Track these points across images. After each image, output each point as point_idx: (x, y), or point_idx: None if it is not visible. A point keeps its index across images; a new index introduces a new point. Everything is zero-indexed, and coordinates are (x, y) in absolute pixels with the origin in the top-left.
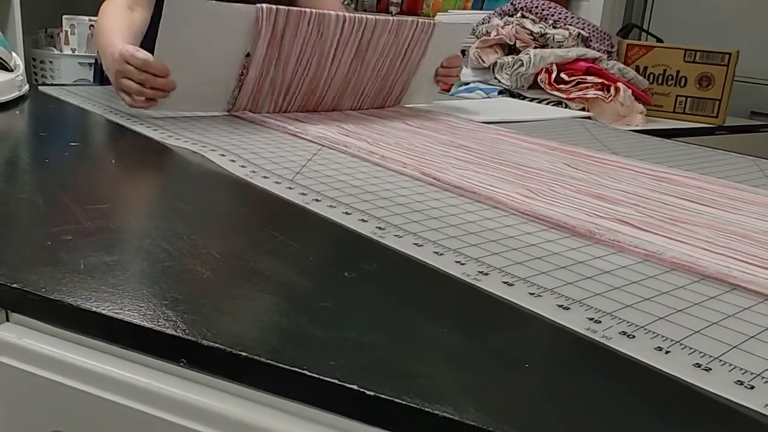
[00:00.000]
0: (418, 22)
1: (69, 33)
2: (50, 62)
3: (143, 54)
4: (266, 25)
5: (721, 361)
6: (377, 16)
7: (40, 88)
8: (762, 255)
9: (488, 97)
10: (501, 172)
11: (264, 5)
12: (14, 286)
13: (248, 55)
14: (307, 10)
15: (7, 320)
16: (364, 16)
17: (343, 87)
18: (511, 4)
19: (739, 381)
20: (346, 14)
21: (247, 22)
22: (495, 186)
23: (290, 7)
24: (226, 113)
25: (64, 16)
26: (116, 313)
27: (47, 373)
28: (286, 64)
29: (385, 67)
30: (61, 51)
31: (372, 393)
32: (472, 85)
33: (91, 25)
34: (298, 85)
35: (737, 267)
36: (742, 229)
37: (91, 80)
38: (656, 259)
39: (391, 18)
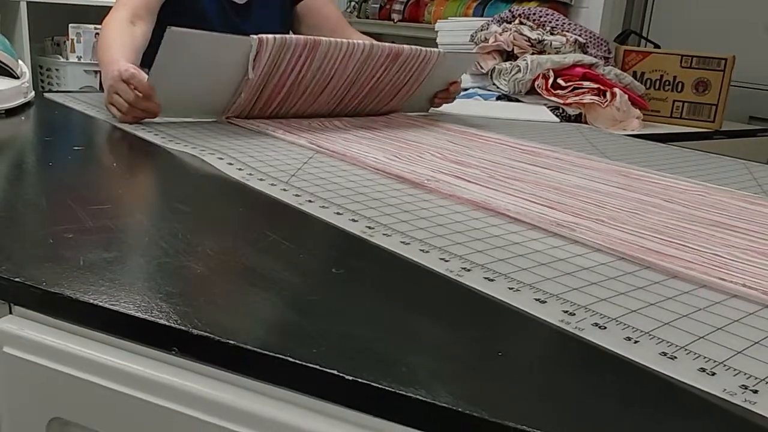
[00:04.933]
0: (422, 53)
1: (75, 41)
2: (56, 70)
3: (140, 75)
4: (265, 54)
5: (686, 350)
6: (382, 46)
7: (45, 94)
8: (553, 198)
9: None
10: (384, 144)
11: (261, 36)
12: (17, 280)
13: (247, 78)
14: (304, 38)
15: (10, 312)
16: (366, 44)
17: (335, 102)
18: (510, 11)
19: (701, 368)
20: (345, 42)
21: (244, 51)
22: (367, 152)
23: (289, 36)
24: (217, 119)
25: (70, 25)
26: (112, 305)
27: (48, 362)
28: (283, 85)
29: (382, 91)
30: (67, 59)
31: (351, 378)
32: (470, 90)
33: (97, 34)
34: (291, 101)
35: (520, 204)
36: (558, 183)
37: (97, 87)
38: (457, 198)
39: (393, 48)
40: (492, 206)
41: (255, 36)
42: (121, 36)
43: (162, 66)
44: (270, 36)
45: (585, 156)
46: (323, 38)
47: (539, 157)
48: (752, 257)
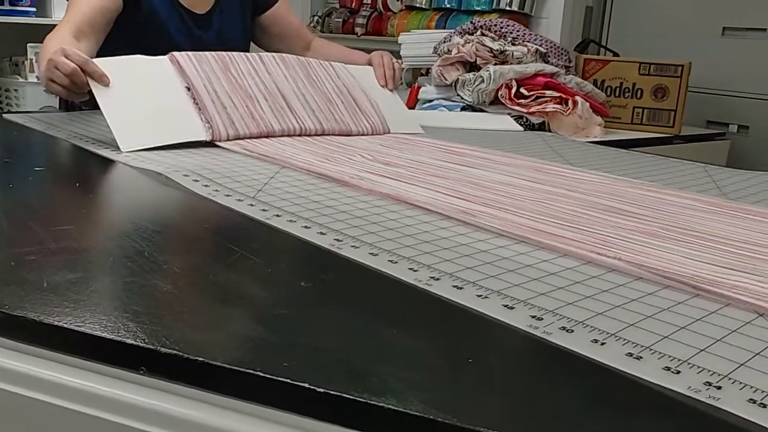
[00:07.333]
0: (327, 64)
1: (34, 61)
2: (15, 90)
3: (75, 49)
4: (185, 67)
5: (651, 350)
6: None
7: (4, 115)
8: (476, 194)
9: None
10: (332, 152)
11: (174, 54)
12: None
13: (188, 88)
14: (207, 54)
15: None
16: (276, 55)
17: (297, 108)
18: (471, 22)
19: (666, 367)
20: (246, 55)
21: (165, 67)
22: (299, 155)
23: (198, 53)
24: (207, 141)
25: (28, 45)
26: (78, 326)
27: (12, 387)
28: (231, 93)
29: (330, 102)
30: (26, 79)
31: (322, 390)
32: (435, 102)
33: None
34: (255, 109)
35: (443, 200)
36: (481, 180)
37: (57, 107)
38: (378, 193)
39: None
40: (405, 198)
41: (171, 55)
42: (65, 44)
43: (104, 95)
44: (179, 53)
45: (511, 155)
46: (234, 54)
47: (465, 156)
48: (635, 236)
